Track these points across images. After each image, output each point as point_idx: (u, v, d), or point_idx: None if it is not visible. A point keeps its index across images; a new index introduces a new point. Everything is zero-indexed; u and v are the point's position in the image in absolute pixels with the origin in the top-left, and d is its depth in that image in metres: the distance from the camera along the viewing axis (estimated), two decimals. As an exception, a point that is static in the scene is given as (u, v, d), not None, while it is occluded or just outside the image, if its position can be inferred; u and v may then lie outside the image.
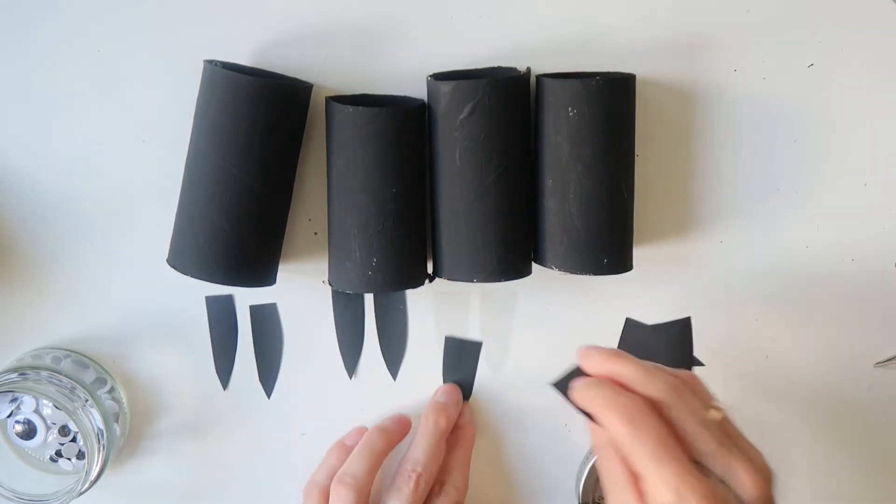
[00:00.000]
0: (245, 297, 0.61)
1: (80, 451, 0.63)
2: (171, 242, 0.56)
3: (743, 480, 0.46)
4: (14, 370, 0.59)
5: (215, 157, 0.54)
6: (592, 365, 0.50)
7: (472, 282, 0.56)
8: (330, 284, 0.58)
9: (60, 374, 0.59)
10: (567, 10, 0.57)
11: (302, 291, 0.61)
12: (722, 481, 0.47)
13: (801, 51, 0.58)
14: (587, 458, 0.63)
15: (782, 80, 0.58)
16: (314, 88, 0.57)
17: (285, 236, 0.58)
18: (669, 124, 0.59)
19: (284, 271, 0.59)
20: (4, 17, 0.57)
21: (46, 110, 0.59)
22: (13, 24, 0.57)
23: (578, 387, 0.49)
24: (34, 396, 0.62)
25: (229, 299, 0.61)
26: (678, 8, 0.57)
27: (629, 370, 0.49)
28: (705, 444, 0.47)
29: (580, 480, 0.62)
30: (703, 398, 0.49)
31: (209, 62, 0.55)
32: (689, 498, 0.44)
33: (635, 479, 0.46)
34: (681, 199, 0.60)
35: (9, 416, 0.63)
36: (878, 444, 0.64)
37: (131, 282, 0.61)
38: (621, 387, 0.48)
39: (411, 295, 0.61)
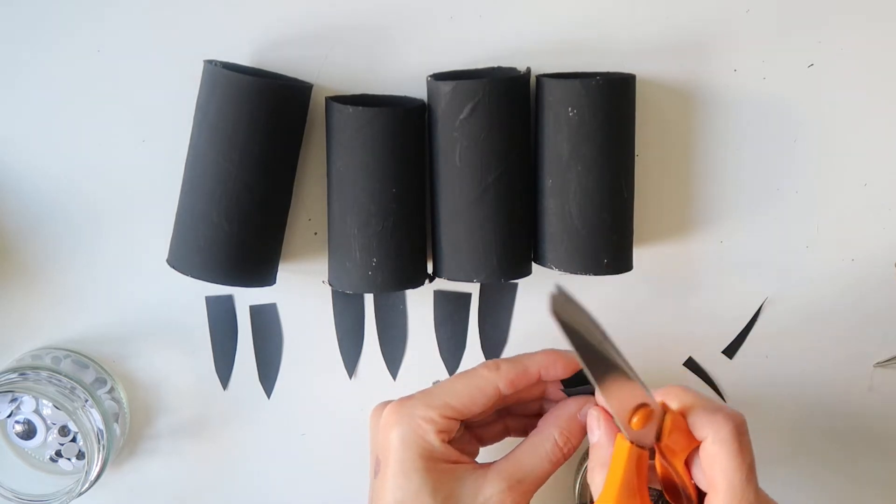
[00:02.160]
0: (245, 297, 0.61)
1: (79, 451, 0.63)
2: (171, 242, 0.56)
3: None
4: (14, 370, 0.59)
5: (215, 157, 0.54)
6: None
7: (472, 282, 0.56)
8: (330, 284, 0.58)
9: (60, 374, 0.59)
10: (567, 10, 0.57)
11: (302, 291, 0.61)
12: None
13: (801, 51, 0.58)
14: (584, 458, 0.63)
15: (782, 80, 0.58)
16: (314, 88, 0.57)
17: (285, 236, 0.58)
18: (669, 124, 0.59)
19: (284, 271, 0.59)
20: (4, 18, 0.57)
21: (46, 110, 0.59)
22: (13, 24, 0.57)
23: None
24: (34, 396, 0.62)
25: (229, 299, 0.61)
26: (678, 8, 0.57)
27: None
28: None
29: (577, 480, 0.62)
30: None
31: (209, 62, 0.55)
32: None
33: None
34: (681, 199, 0.60)
35: (9, 416, 0.63)
36: (878, 444, 0.64)
37: (131, 282, 0.61)
38: None
39: (411, 295, 0.61)
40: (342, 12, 0.57)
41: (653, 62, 0.58)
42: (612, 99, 0.54)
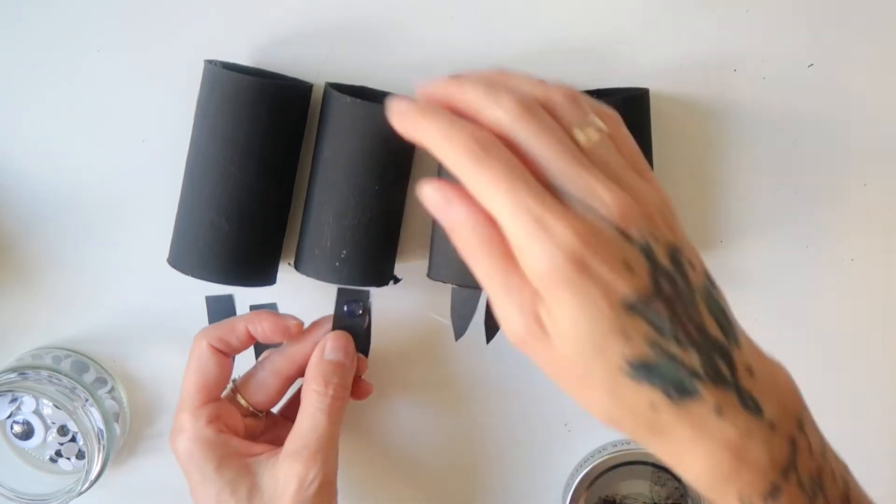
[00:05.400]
0: (245, 297, 0.61)
1: (79, 450, 0.63)
2: (172, 242, 0.56)
3: (601, 196, 0.39)
4: (14, 370, 0.59)
5: (215, 157, 0.54)
6: (427, 96, 0.43)
7: (460, 285, 0.56)
8: (294, 268, 0.57)
9: (60, 374, 0.59)
10: (566, 11, 0.57)
11: (302, 291, 0.61)
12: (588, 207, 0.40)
13: (801, 51, 0.58)
14: (577, 470, 0.63)
15: (782, 80, 0.58)
16: (314, 88, 0.57)
17: (286, 236, 0.58)
18: (668, 124, 0.59)
19: (284, 271, 0.59)
20: (4, 17, 0.57)
21: (46, 110, 0.59)
22: (13, 24, 0.58)
23: (407, 110, 0.42)
24: (34, 396, 0.62)
25: (229, 299, 0.61)
26: (678, 8, 0.57)
27: (471, 94, 0.41)
28: (559, 166, 0.40)
29: (568, 491, 0.62)
30: (577, 116, 0.42)
31: (209, 62, 0.55)
32: (553, 226, 0.39)
33: (494, 225, 0.41)
34: (680, 198, 0.60)
35: (8, 416, 0.63)
36: (877, 445, 0.64)
37: (131, 282, 0.61)
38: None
39: (411, 295, 0.61)
40: (343, 12, 0.57)
41: (652, 62, 0.58)
42: (627, 117, 0.54)
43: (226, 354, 0.56)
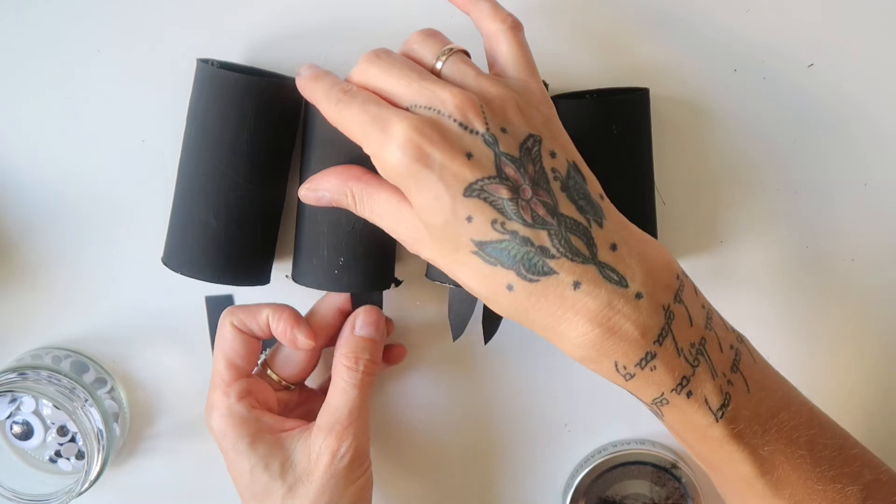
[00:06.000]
0: (245, 297, 0.61)
1: (79, 451, 0.63)
2: (166, 240, 0.56)
3: (442, 98, 0.45)
4: (14, 370, 0.59)
5: (205, 155, 0.54)
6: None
7: (452, 285, 0.56)
8: (293, 280, 0.57)
9: (60, 374, 0.59)
10: (567, 13, 0.57)
11: (301, 291, 0.61)
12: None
13: (801, 51, 0.58)
14: (577, 470, 0.63)
15: (782, 80, 0.58)
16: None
17: (283, 236, 0.58)
18: (667, 124, 0.59)
19: (284, 271, 0.59)
20: (4, 18, 0.57)
21: (46, 110, 0.59)
22: (12, 24, 0.58)
23: (301, 73, 0.50)
24: (34, 396, 0.62)
25: (229, 299, 0.61)
26: (677, 7, 0.57)
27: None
28: (406, 91, 0.46)
29: (568, 492, 0.62)
30: (432, 48, 0.49)
31: (202, 61, 0.55)
32: (392, 125, 0.44)
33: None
34: (679, 199, 0.60)
35: (8, 416, 0.63)
36: (878, 446, 0.64)
37: (131, 282, 0.61)
38: None
39: (410, 296, 0.61)
40: (342, 11, 0.57)
41: (652, 62, 0.58)
42: (628, 116, 0.55)
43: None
